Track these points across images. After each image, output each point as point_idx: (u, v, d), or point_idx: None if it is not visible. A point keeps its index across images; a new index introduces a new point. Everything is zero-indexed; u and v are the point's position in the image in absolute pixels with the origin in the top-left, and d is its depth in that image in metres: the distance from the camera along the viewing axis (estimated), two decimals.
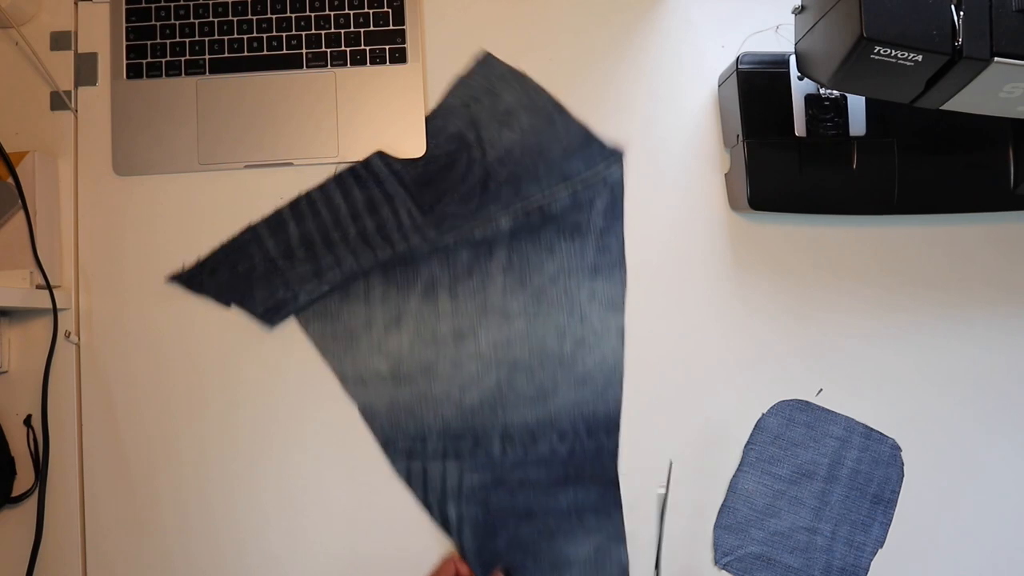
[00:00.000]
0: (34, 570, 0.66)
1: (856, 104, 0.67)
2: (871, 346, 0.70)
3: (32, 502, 0.67)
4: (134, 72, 0.73)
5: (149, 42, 0.73)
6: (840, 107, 0.67)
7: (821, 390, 0.69)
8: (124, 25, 0.73)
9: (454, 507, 0.67)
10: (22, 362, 0.70)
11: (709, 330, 0.70)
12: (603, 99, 0.73)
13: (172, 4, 0.73)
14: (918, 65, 0.52)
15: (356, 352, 0.69)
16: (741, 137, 0.67)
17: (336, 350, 0.69)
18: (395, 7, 0.73)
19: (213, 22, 0.73)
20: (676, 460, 0.68)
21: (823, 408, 0.69)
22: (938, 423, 0.69)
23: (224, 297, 0.69)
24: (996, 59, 0.51)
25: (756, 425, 0.69)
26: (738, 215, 0.72)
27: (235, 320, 0.70)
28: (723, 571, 0.67)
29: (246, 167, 0.72)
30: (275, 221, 0.70)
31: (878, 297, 0.71)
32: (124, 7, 0.73)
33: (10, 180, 0.68)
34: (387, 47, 0.73)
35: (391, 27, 0.73)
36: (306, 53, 0.73)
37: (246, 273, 0.69)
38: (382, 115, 0.72)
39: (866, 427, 0.69)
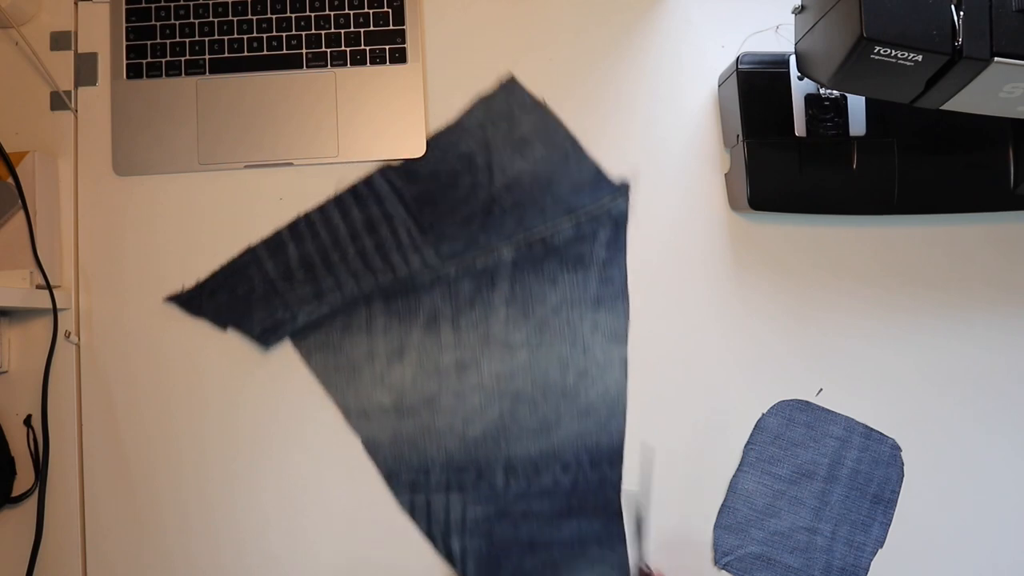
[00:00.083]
0: (34, 570, 0.66)
1: (856, 104, 0.67)
2: (871, 346, 0.70)
3: (32, 502, 0.67)
4: (134, 72, 0.73)
5: (149, 42, 0.73)
6: (840, 107, 0.67)
7: (821, 390, 0.69)
8: (124, 25, 0.73)
9: (458, 540, 0.67)
10: (22, 362, 0.70)
11: (709, 330, 0.70)
12: (603, 100, 0.73)
13: (172, 4, 0.73)
14: (918, 65, 0.52)
15: (359, 385, 0.69)
16: (741, 137, 0.67)
17: (339, 382, 0.69)
18: (395, 7, 0.73)
19: (213, 22, 0.73)
20: (676, 460, 0.68)
21: (823, 408, 0.69)
22: (938, 423, 0.69)
23: (221, 319, 0.69)
24: (996, 59, 0.51)
25: (756, 425, 0.69)
26: (738, 215, 0.72)
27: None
28: (723, 571, 0.67)
29: (246, 167, 0.72)
30: (274, 242, 0.70)
31: (878, 297, 0.71)
32: (124, 7, 0.73)
33: (10, 180, 0.68)
34: (387, 47, 0.73)
35: (391, 27, 0.73)
36: (306, 53, 0.73)
37: (245, 295, 0.69)
38: (382, 115, 0.72)
39: (866, 427, 0.69)
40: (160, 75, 0.73)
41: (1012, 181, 0.67)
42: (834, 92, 0.67)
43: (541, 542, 0.67)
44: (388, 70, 0.73)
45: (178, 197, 0.72)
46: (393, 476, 0.68)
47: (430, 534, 0.67)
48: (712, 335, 0.70)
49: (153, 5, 0.73)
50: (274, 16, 0.73)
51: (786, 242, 0.71)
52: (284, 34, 0.73)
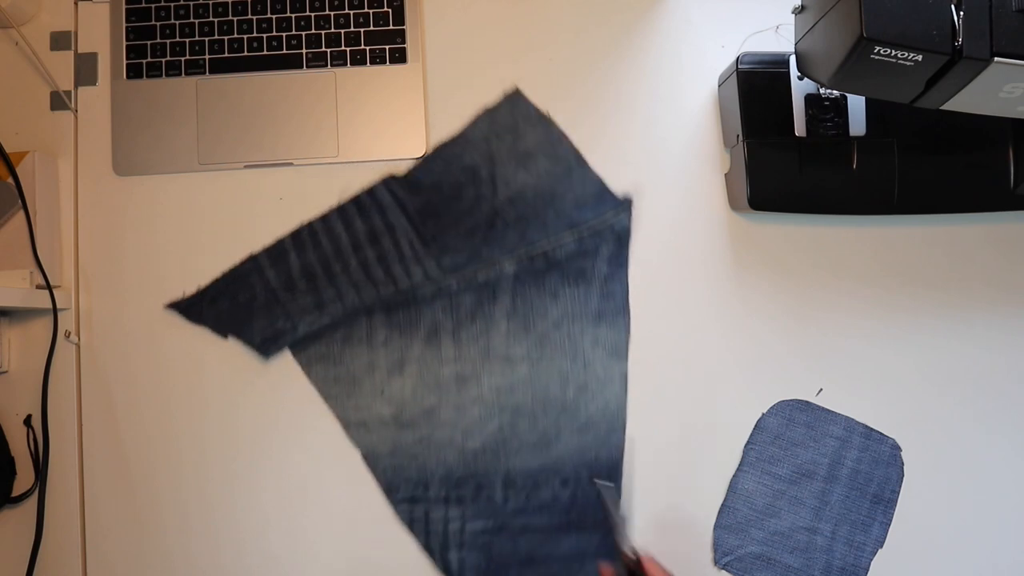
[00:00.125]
0: (34, 570, 0.66)
1: (856, 104, 0.67)
2: (871, 346, 0.70)
3: (32, 502, 0.67)
4: (134, 72, 0.73)
5: (149, 42, 0.73)
6: (840, 107, 0.67)
7: (821, 390, 0.69)
8: (124, 25, 0.73)
9: (456, 553, 0.67)
10: (22, 362, 0.70)
11: (709, 330, 0.70)
12: (603, 100, 0.73)
13: (172, 4, 0.73)
14: (918, 65, 0.52)
15: (359, 397, 0.69)
16: (741, 137, 0.67)
17: (338, 394, 0.69)
18: (395, 7, 0.73)
19: (213, 22, 0.73)
20: (676, 460, 0.68)
21: (823, 408, 0.69)
22: (938, 423, 0.69)
23: (222, 328, 0.69)
24: (996, 59, 0.51)
25: (756, 425, 0.69)
26: (738, 215, 0.72)
27: None
28: (723, 571, 0.67)
29: (246, 167, 0.72)
30: (276, 251, 0.70)
31: (878, 297, 0.71)
32: (124, 7, 0.74)
33: (10, 180, 0.68)
34: (387, 47, 0.73)
35: (391, 27, 0.73)
36: (306, 53, 0.73)
37: (246, 303, 0.69)
38: (382, 115, 0.72)
39: (866, 427, 0.69)
40: (160, 75, 0.73)
41: (1012, 181, 0.67)
42: (834, 92, 0.67)
43: (540, 557, 0.67)
44: (388, 70, 0.73)
45: (178, 197, 0.72)
46: (392, 488, 0.68)
47: (428, 547, 0.67)
48: (712, 335, 0.70)
49: (153, 5, 0.73)
50: (274, 16, 0.73)
51: (786, 242, 0.71)
52: (284, 34, 0.73)
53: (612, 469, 0.67)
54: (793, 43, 0.63)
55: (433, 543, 0.67)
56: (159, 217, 0.72)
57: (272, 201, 0.72)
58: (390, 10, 0.73)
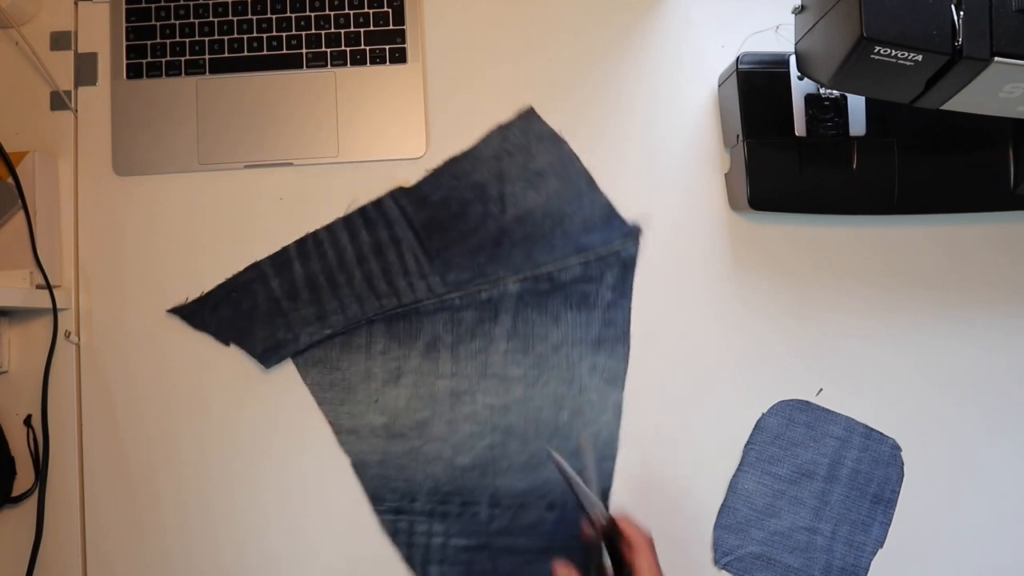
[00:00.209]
0: (34, 570, 0.66)
1: (856, 104, 0.67)
2: (871, 346, 0.70)
3: (32, 502, 0.67)
4: (134, 72, 0.73)
5: (149, 42, 0.73)
6: (840, 107, 0.67)
7: (821, 390, 0.69)
8: (124, 25, 0.73)
9: (436, 568, 0.66)
10: (22, 362, 0.70)
11: (709, 330, 0.70)
12: (603, 100, 0.73)
13: (172, 4, 0.73)
14: (918, 65, 0.52)
15: (352, 404, 0.69)
16: (741, 137, 0.67)
17: (332, 399, 0.69)
18: (395, 7, 0.73)
19: (213, 22, 0.73)
20: (675, 459, 0.68)
21: (823, 408, 0.69)
22: (938, 423, 0.69)
23: (224, 335, 0.69)
24: (996, 59, 0.51)
25: (756, 425, 0.69)
26: (738, 215, 0.72)
27: None
28: (723, 571, 0.67)
29: (246, 167, 0.72)
30: (280, 259, 0.70)
31: (878, 297, 0.71)
32: (124, 7, 0.74)
33: (10, 180, 0.68)
34: (387, 47, 0.73)
35: (391, 27, 0.73)
36: (306, 53, 0.73)
37: (248, 312, 0.69)
38: (382, 115, 0.72)
39: (866, 427, 0.69)
40: (160, 75, 0.73)
41: (1012, 181, 0.67)
42: (834, 92, 0.67)
43: None
44: (388, 70, 0.73)
45: (178, 197, 0.72)
46: (378, 498, 0.67)
47: (409, 559, 0.67)
48: (712, 335, 0.70)
49: (153, 5, 0.73)
50: (274, 16, 0.73)
51: (786, 242, 0.71)
52: (284, 34, 0.73)
53: (602, 497, 0.67)
54: (793, 43, 0.63)
55: (415, 556, 0.67)
56: (159, 217, 0.72)
57: (272, 201, 0.72)
58: (390, 10, 0.73)
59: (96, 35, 0.74)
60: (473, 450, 0.68)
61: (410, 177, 0.71)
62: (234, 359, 0.69)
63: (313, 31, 0.73)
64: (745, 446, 0.68)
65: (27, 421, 0.68)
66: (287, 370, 0.69)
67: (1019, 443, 0.69)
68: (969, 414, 0.69)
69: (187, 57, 0.73)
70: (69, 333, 0.69)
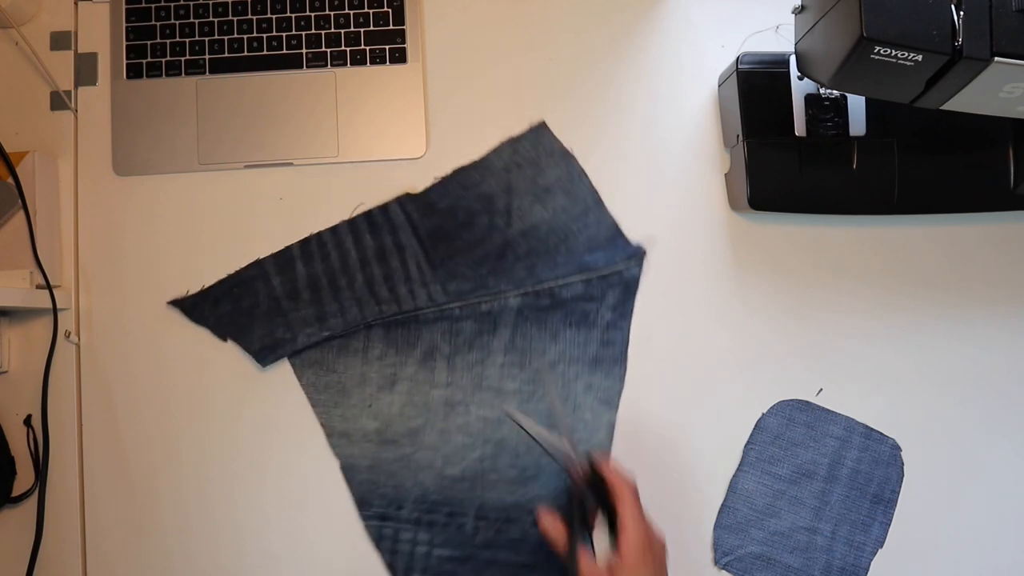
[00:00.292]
0: (34, 570, 0.66)
1: (856, 104, 0.67)
2: (871, 346, 0.70)
3: (32, 502, 0.67)
4: (134, 72, 0.73)
5: (149, 42, 0.73)
6: (840, 107, 0.67)
7: (821, 390, 0.69)
8: (124, 25, 0.73)
9: None
10: (22, 362, 0.70)
11: (709, 330, 0.70)
12: (603, 100, 0.73)
13: (172, 4, 0.73)
14: (918, 65, 0.52)
15: (346, 407, 0.68)
16: (741, 137, 0.67)
17: (326, 401, 0.68)
18: (395, 7, 0.73)
19: (213, 22, 0.73)
20: (675, 459, 0.68)
21: (823, 408, 0.69)
22: (938, 423, 0.69)
23: (222, 331, 0.69)
24: (996, 59, 0.51)
25: (756, 425, 0.69)
26: (738, 215, 0.72)
27: None
28: (723, 571, 0.67)
29: (246, 167, 0.72)
30: (283, 258, 0.70)
31: (878, 297, 0.71)
32: (124, 7, 0.74)
33: (10, 180, 0.68)
34: (387, 47, 0.73)
35: (391, 27, 0.73)
36: (306, 53, 0.73)
37: (248, 309, 0.69)
38: (382, 115, 0.72)
39: (866, 427, 0.69)
40: (160, 75, 0.73)
41: (1012, 181, 0.67)
42: (834, 92, 0.67)
43: None
44: (388, 70, 0.73)
45: (178, 197, 0.72)
46: (364, 503, 0.67)
47: (392, 566, 0.66)
48: (712, 335, 0.70)
49: (153, 5, 0.73)
50: (274, 16, 0.73)
51: (786, 242, 0.71)
52: (284, 34, 0.73)
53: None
54: (793, 43, 0.63)
55: (398, 563, 0.66)
56: (159, 217, 0.72)
57: (272, 201, 0.72)
58: (390, 10, 0.73)
59: (96, 35, 0.74)
60: (463, 461, 0.67)
61: (410, 177, 0.71)
62: (234, 359, 0.69)
63: (313, 31, 0.73)
64: (745, 446, 0.68)
65: (27, 421, 0.68)
66: (288, 370, 0.69)
67: (1019, 443, 0.69)
68: (969, 414, 0.69)
69: (187, 57, 0.73)
70: (69, 333, 0.69)
